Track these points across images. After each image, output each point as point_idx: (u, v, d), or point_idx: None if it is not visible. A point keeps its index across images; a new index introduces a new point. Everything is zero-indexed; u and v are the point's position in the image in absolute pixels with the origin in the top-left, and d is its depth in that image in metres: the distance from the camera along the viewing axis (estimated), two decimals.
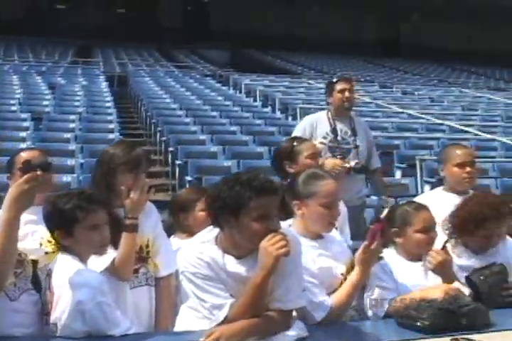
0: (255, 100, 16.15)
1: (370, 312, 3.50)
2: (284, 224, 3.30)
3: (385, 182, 6.60)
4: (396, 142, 11.41)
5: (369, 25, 35.87)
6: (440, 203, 4.37)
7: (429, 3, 33.62)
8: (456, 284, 3.49)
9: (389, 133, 12.27)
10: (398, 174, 9.85)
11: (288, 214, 3.46)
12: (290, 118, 13.44)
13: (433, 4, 33.53)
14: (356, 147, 6.04)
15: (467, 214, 3.89)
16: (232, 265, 2.99)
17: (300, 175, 3.51)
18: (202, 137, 10.83)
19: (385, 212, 3.86)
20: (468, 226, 3.87)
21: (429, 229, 3.69)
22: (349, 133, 6.09)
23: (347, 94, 6.10)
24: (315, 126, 6.04)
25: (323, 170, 4.11)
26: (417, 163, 9.35)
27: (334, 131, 6.02)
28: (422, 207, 3.78)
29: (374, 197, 7.66)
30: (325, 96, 6.62)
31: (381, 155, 10.36)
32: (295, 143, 4.77)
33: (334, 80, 6.40)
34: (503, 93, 22.56)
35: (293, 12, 34.43)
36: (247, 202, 2.88)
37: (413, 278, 3.62)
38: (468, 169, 4.59)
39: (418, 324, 3.16)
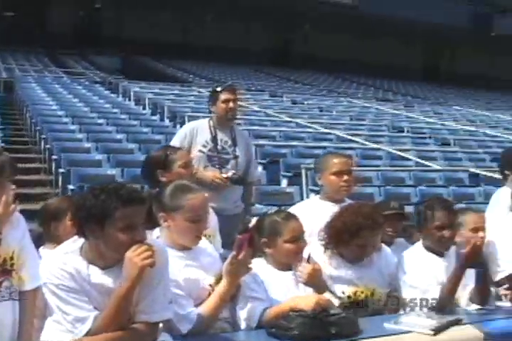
0: (144, 108, 16.00)
1: (243, 324, 3.46)
2: (153, 234, 3.25)
3: (251, 199, 6.55)
4: (283, 151, 11.49)
5: (260, 35, 36.14)
6: (317, 211, 4.40)
7: (320, 14, 34.11)
8: (326, 294, 3.50)
9: (276, 142, 12.35)
10: (284, 182, 9.90)
11: (155, 224, 3.40)
12: (178, 127, 13.33)
13: (324, 15, 34.04)
14: (235, 157, 5.96)
15: (342, 224, 3.92)
16: (97, 276, 2.92)
17: (168, 187, 3.46)
18: (87, 145, 10.62)
19: (253, 221, 3.83)
20: (344, 236, 3.90)
21: (298, 238, 3.68)
22: (229, 143, 6.00)
23: (231, 104, 5.98)
24: (195, 133, 5.95)
25: (195, 180, 4.06)
26: (303, 171, 9.41)
27: (214, 139, 5.94)
28: (290, 217, 3.77)
29: (258, 206, 7.70)
30: (208, 104, 6.54)
31: (268, 164, 10.51)
32: (169, 152, 4.69)
33: (218, 89, 6.27)
34: (390, 104, 23.21)
35: (186, 20, 34.41)
36: (113, 211, 2.82)
37: (284, 288, 3.61)
38: (345, 177, 4.62)
39: (288, 333, 3.16)
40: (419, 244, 4.24)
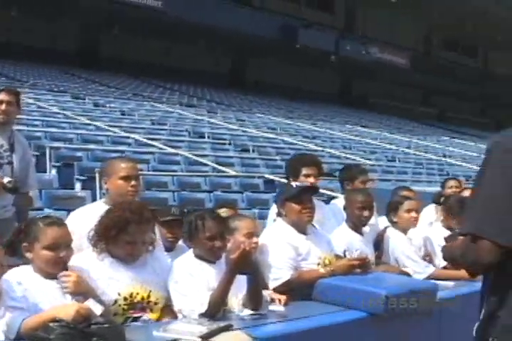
0: None
1: (1, 335, 3.28)
2: None
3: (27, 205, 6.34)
4: (79, 154, 11.24)
5: (68, 34, 35.22)
6: (98, 216, 4.28)
7: (129, 17, 33.74)
8: (89, 301, 3.38)
9: (73, 145, 12.06)
10: (78, 186, 9.69)
11: None
12: None
13: (133, 18, 33.70)
14: (10, 163, 5.75)
15: (110, 220, 3.88)
16: None
17: None
18: None
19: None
20: (111, 231, 3.85)
21: (58, 246, 3.57)
22: (6, 147, 5.78)
23: (3, 106, 5.72)
24: None
25: None
26: (97, 175, 9.24)
27: None
28: (55, 223, 3.63)
29: (48, 210, 7.48)
30: None
31: (61, 167, 10.25)
32: None
33: None
34: (194, 109, 23.32)
35: None
36: None
37: (51, 297, 3.48)
38: (132, 182, 4.56)
39: None
40: (190, 253, 4.23)
